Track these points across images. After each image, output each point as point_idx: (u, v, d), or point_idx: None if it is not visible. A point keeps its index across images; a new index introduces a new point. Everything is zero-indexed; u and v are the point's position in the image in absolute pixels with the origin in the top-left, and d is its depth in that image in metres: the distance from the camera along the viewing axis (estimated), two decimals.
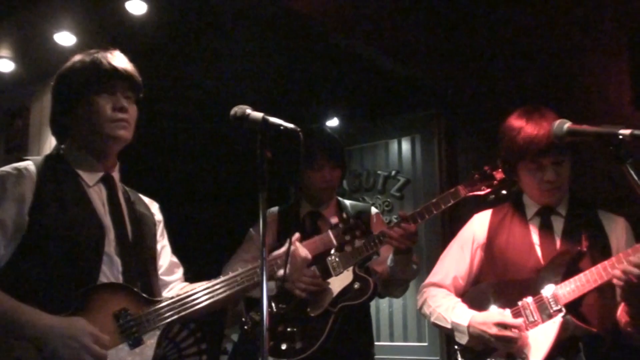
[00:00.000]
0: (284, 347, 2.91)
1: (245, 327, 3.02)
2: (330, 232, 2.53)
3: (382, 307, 4.68)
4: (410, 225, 2.76)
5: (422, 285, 2.77)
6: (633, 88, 3.73)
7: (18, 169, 2.08)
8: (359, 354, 3.13)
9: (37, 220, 2.01)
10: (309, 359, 2.88)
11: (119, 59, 2.21)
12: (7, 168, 2.09)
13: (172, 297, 2.16)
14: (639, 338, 2.34)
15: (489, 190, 2.77)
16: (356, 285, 2.96)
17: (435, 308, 2.61)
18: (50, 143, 3.57)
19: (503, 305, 2.45)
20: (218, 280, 2.23)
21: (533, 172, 2.48)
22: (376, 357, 3.27)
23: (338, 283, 2.96)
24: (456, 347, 2.51)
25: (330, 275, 2.95)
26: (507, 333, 2.34)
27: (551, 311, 2.32)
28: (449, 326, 2.52)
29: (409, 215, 2.79)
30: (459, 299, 2.61)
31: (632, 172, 1.86)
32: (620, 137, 1.87)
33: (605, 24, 3.89)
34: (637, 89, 3.70)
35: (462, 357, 2.49)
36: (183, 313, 2.13)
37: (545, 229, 2.52)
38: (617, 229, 2.49)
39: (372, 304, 3.22)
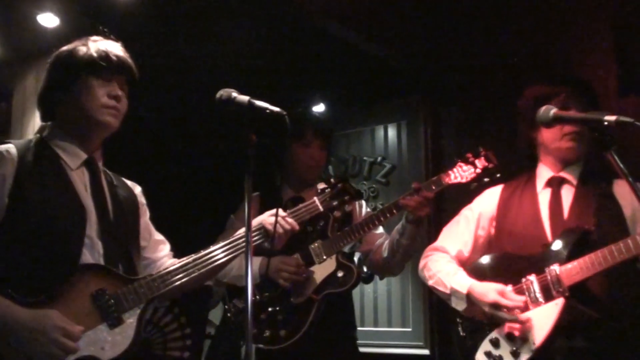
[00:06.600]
0: (267, 334, 2.91)
1: (229, 314, 3.02)
2: (316, 199, 2.49)
3: (366, 293, 4.69)
4: (429, 193, 2.76)
5: (427, 249, 2.73)
6: (619, 76, 3.74)
7: None
8: (342, 339, 3.14)
9: (17, 202, 2.00)
10: (293, 346, 2.89)
11: (124, 54, 2.22)
12: None
13: (150, 275, 2.15)
14: None
15: (471, 177, 2.75)
16: (339, 274, 2.95)
17: (435, 272, 2.57)
18: (34, 126, 3.52)
19: (505, 280, 2.40)
20: (196, 256, 2.22)
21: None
22: (360, 342, 3.29)
23: (321, 271, 2.96)
24: (458, 319, 2.49)
25: (313, 263, 2.96)
26: (503, 313, 2.32)
27: (554, 292, 2.27)
28: (447, 291, 2.50)
29: (423, 185, 2.80)
30: (460, 267, 2.57)
31: (616, 159, 1.87)
32: (606, 123, 1.87)
33: (589, 10, 3.90)
34: (623, 77, 3.71)
35: (463, 330, 2.47)
36: (162, 290, 2.12)
37: (555, 201, 2.47)
38: (632, 197, 2.31)
39: (357, 289, 3.22)
